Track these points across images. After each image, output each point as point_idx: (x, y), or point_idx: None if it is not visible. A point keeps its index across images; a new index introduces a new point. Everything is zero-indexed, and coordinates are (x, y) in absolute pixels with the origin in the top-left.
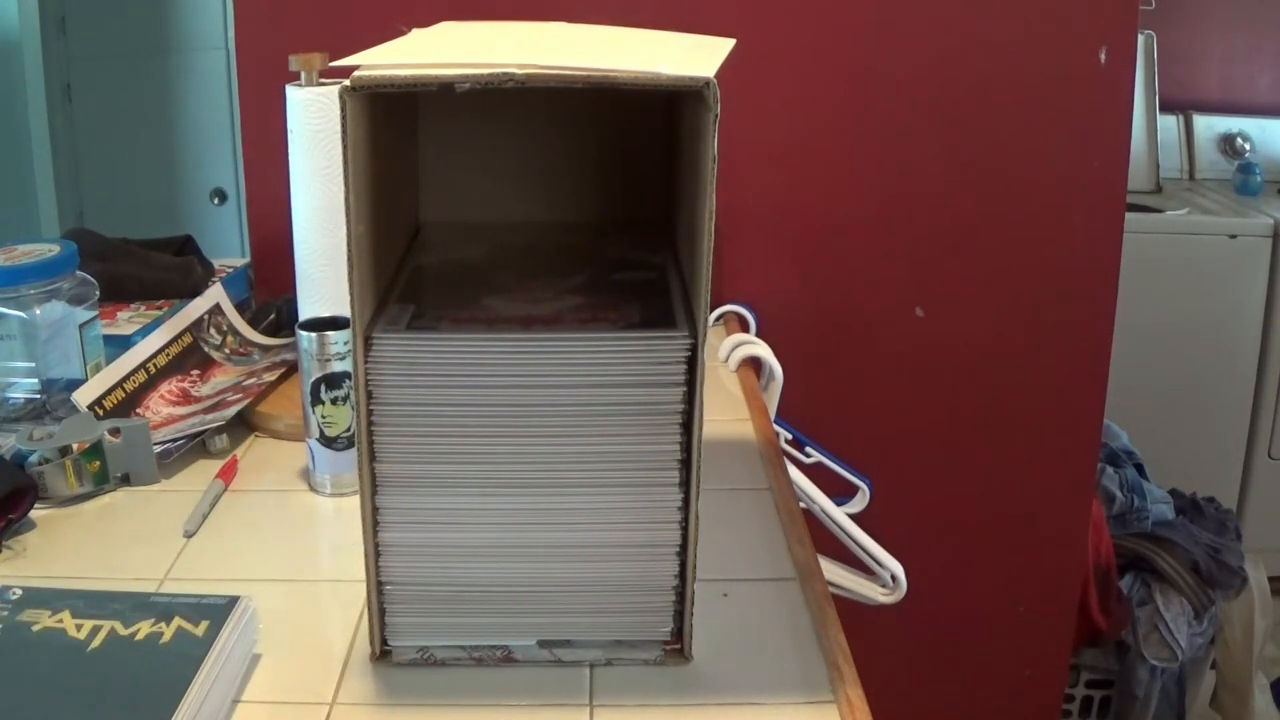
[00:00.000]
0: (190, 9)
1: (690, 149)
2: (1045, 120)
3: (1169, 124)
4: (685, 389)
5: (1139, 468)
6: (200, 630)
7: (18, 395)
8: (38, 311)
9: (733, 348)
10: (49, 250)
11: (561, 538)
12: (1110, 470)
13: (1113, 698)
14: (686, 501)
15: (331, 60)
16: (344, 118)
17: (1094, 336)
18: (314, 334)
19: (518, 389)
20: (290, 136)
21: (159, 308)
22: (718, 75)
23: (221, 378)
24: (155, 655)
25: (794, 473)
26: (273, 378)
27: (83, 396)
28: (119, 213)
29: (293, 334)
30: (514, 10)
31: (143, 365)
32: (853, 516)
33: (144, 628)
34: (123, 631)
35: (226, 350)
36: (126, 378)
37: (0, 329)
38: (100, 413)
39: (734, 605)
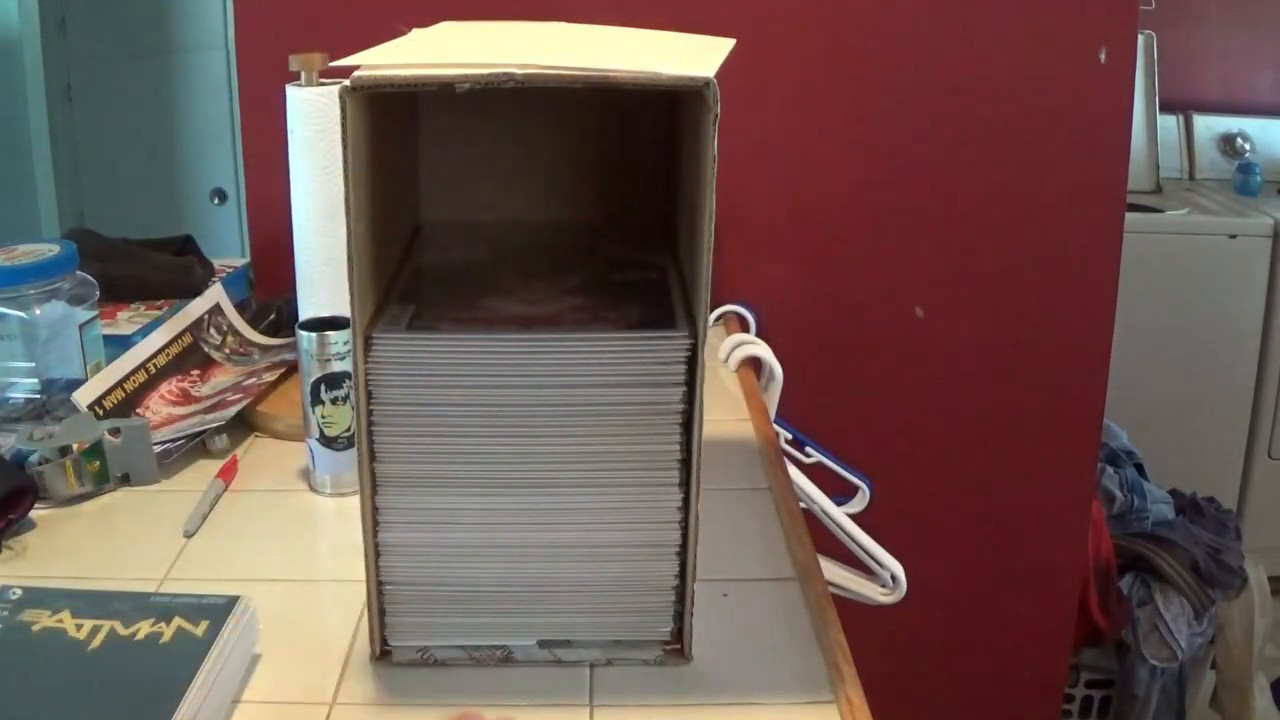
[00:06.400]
0: (190, 9)
1: (690, 149)
2: (1045, 120)
3: (1169, 124)
4: (685, 389)
5: (1139, 468)
6: (200, 630)
7: (18, 395)
8: (38, 311)
9: (733, 348)
10: (49, 250)
11: (561, 538)
12: (1110, 470)
13: (1113, 698)
14: (686, 501)
15: (331, 60)
16: (344, 118)
17: (1094, 337)
18: (314, 334)
19: (518, 389)
20: (290, 136)
21: (159, 308)
22: (718, 75)
23: (221, 378)
24: (155, 655)
25: (794, 473)
26: (273, 378)
27: (83, 396)
28: (119, 213)
29: (293, 334)
30: (514, 10)
31: (143, 365)
32: (853, 516)
33: (144, 628)
34: (123, 632)
35: (226, 350)
36: (126, 378)
37: (0, 329)
38: (100, 413)
39: (734, 605)
